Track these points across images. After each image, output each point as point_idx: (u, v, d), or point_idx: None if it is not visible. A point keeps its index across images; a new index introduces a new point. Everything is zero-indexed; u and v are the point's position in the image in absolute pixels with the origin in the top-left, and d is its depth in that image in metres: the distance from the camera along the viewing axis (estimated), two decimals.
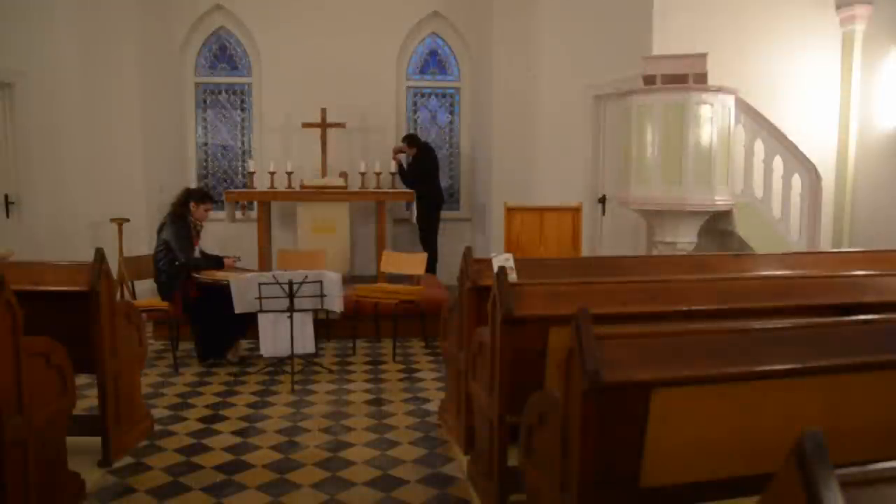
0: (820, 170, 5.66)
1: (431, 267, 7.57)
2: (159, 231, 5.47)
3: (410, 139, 8.09)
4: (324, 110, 7.89)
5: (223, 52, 8.48)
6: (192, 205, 5.45)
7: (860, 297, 3.25)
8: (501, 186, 8.07)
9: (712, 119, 5.41)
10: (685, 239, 5.64)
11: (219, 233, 8.23)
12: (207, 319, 5.39)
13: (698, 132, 5.40)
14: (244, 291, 4.95)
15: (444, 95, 8.90)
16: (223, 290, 5.11)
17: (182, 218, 5.42)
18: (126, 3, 7.51)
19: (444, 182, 8.84)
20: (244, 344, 5.72)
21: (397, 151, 8.10)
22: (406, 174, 8.01)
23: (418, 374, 5.29)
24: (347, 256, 7.62)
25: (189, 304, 5.37)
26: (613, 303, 3.05)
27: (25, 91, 6.67)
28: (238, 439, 3.96)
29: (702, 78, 5.57)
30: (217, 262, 5.53)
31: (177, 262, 5.31)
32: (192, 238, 5.45)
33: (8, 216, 6.62)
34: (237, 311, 5.05)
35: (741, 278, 3.51)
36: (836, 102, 6.60)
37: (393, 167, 8.02)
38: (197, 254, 5.46)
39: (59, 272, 3.62)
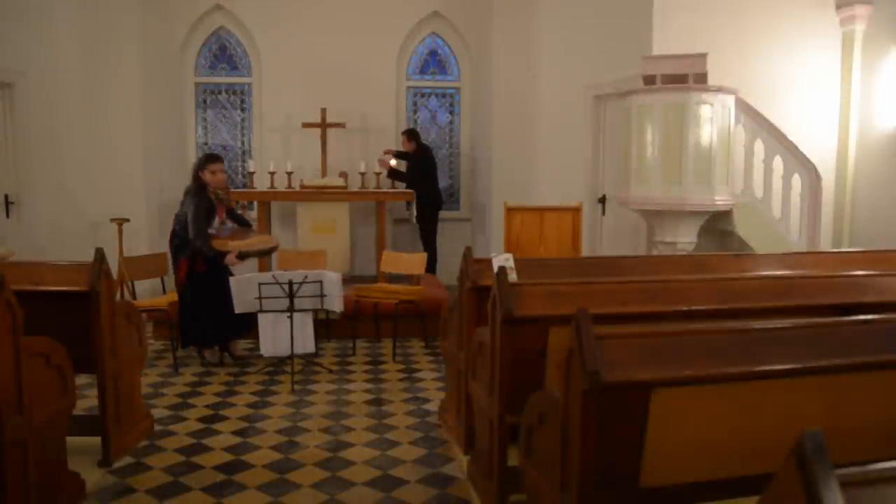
0: (820, 170, 5.66)
1: (431, 267, 7.57)
2: (185, 196, 5.37)
3: (410, 133, 8.04)
4: (324, 110, 7.89)
5: (223, 52, 8.48)
6: (201, 173, 5.26)
7: (860, 297, 3.26)
8: (501, 186, 8.07)
9: (712, 119, 5.41)
10: (685, 239, 5.64)
11: None
12: (199, 301, 5.23)
13: (698, 132, 5.40)
14: (244, 291, 4.95)
15: (444, 95, 8.90)
16: (225, 282, 5.06)
17: (203, 190, 5.24)
18: (126, 3, 7.51)
19: (443, 182, 8.85)
20: (242, 344, 5.70)
21: (386, 159, 8.00)
22: (405, 175, 7.99)
23: (418, 374, 5.29)
24: (347, 256, 7.62)
25: (192, 276, 5.25)
26: (613, 303, 3.05)
27: (25, 91, 6.67)
28: (238, 439, 3.96)
29: (702, 78, 5.57)
30: (217, 256, 5.24)
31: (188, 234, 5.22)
32: (213, 213, 5.28)
33: (8, 216, 6.62)
34: (237, 310, 5.04)
35: (741, 278, 3.51)
36: (836, 102, 6.60)
37: (382, 170, 7.94)
38: (216, 225, 5.30)
39: (59, 272, 3.62)
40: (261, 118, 8.38)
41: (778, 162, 5.74)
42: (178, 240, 5.31)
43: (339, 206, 7.58)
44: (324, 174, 7.94)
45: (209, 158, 5.38)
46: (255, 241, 5.48)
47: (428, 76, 8.84)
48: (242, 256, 5.29)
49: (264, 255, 5.76)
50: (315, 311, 5.26)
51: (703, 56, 5.62)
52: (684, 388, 2.06)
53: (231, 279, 5.03)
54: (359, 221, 8.19)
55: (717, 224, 5.84)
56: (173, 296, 5.73)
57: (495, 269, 3.14)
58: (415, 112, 8.86)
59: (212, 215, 5.29)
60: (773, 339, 2.23)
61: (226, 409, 4.47)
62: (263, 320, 5.16)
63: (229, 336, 5.47)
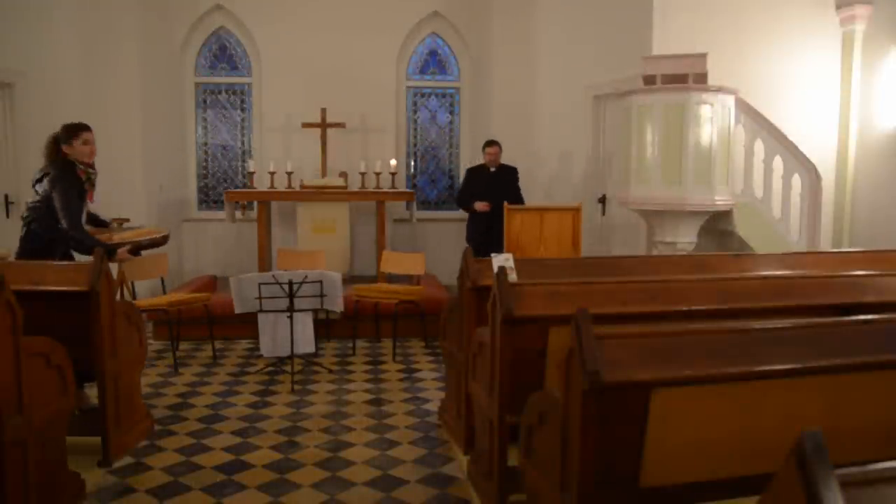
0: (820, 170, 5.66)
1: None
2: (38, 181, 4.11)
3: (497, 143, 6.92)
4: (324, 110, 7.88)
5: (223, 52, 8.47)
6: (66, 148, 4.09)
7: (860, 297, 3.25)
8: None
9: (712, 119, 5.41)
10: (685, 239, 5.63)
11: (219, 233, 8.24)
12: None
13: (698, 132, 5.40)
14: (244, 291, 4.95)
15: (444, 95, 8.89)
16: None
17: (70, 168, 4.07)
18: (126, 3, 7.50)
19: (443, 182, 8.86)
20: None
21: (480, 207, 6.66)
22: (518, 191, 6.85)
23: (418, 374, 5.29)
24: (347, 256, 7.62)
25: None
26: (613, 303, 3.05)
27: (25, 91, 6.66)
28: (238, 439, 3.96)
29: (702, 78, 5.57)
30: (106, 250, 3.93)
31: (60, 226, 4.00)
32: (85, 196, 4.19)
33: (8, 216, 6.62)
34: (237, 310, 5.03)
35: (741, 278, 3.51)
36: (836, 102, 6.60)
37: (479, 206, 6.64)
38: (85, 217, 4.21)
39: (59, 272, 3.62)
40: (261, 118, 8.37)
41: (778, 162, 5.74)
42: (40, 241, 4.06)
43: (339, 206, 7.58)
44: (324, 174, 7.94)
45: (79, 127, 4.16)
46: (142, 232, 4.57)
47: (428, 76, 8.83)
48: (136, 251, 4.32)
49: (156, 246, 4.61)
50: (315, 311, 5.26)
51: (703, 56, 5.62)
52: (684, 388, 2.06)
53: (231, 279, 5.02)
54: (359, 221, 8.18)
55: (717, 224, 5.84)
56: (173, 296, 5.74)
57: (495, 269, 3.14)
58: (415, 112, 8.86)
59: (84, 199, 4.19)
60: (773, 339, 2.23)
61: (226, 409, 4.47)
62: (263, 320, 5.16)
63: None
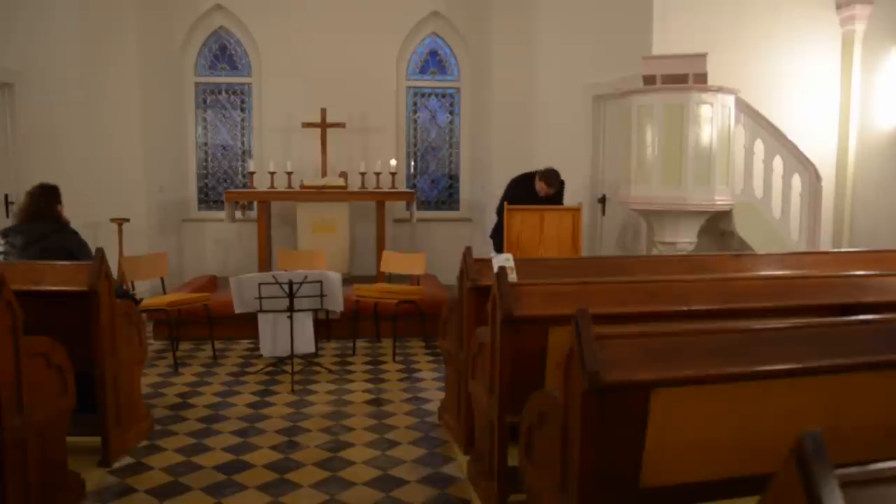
0: (820, 170, 5.67)
1: None
2: (44, 237, 4.12)
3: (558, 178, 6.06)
4: (324, 110, 7.88)
5: (223, 52, 8.47)
6: (59, 208, 4.31)
7: (860, 297, 3.25)
8: (501, 186, 8.05)
9: (712, 119, 5.42)
10: (685, 239, 5.64)
11: (219, 233, 8.24)
12: None
13: (698, 132, 5.40)
14: (244, 291, 4.95)
15: (444, 95, 8.89)
16: None
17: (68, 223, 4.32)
18: (126, 3, 7.51)
19: (443, 182, 8.85)
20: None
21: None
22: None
23: (418, 374, 5.29)
24: (347, 256, 7.62)
25: None
26: (613, 303, 3.05)
27: (25, 91, 6.66)
28: (238, 439, 3.96)
29: (702, 78, 5.57)
30: (127, 296, 4.41)
31: None
32: None
33: (8, 216, 6.61)
34: (237, 310, 5.03)
35: (741, 278, 3.51)
36: (836, 102, 6.61)
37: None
38: None
39: (59, 272, 3.61)
40: (261, 118, 8.38)
41: (778, 162, 5.74)
42: None
43: (339, 206, 7.58)
44: (324, 174, 7.94)
45: (59, 191, 4.36)
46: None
47: (428, 76, 8.83)
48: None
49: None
50: (315, 311, 5.26)
51: (703, 56, 5.62)
52: (684, 388, 2.06)
53: (231, 279, 5.03)
54: (359, 221, 8.18)
55: (717, 224, 5.84)
56: (173, 296, 5.74)
57: (495, 269, 3.14)
58: (415, 112, 8.86)
59: None
60: (773, 339, 2.23)
61: (226, 409, 4.47)
62: (263, 320, 5.15)
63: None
